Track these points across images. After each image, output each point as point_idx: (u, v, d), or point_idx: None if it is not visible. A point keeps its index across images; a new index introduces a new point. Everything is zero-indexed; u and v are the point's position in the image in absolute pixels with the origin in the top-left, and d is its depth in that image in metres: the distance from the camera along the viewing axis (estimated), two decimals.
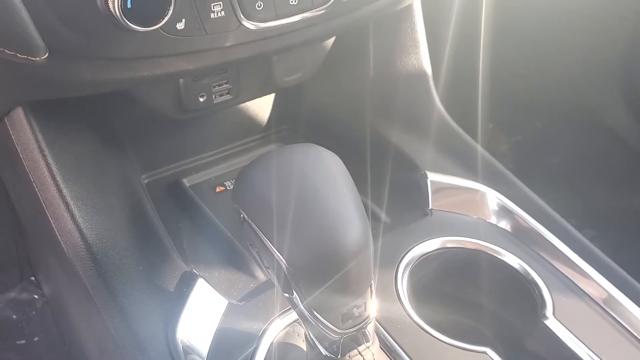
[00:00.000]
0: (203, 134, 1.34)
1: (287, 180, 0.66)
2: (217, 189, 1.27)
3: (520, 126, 2.39)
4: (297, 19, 0.90)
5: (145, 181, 1.31)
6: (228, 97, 1.10)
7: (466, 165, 1.15)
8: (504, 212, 1.07)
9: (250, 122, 1.39)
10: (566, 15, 1.91)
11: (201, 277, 0.93)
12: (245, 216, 0.67)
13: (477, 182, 1.11)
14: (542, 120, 2.35)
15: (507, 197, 1.08)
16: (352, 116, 1.28)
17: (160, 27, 0.77)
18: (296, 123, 1.43)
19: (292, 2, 0.87)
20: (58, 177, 0.94)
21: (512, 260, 0.97)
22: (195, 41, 0.83)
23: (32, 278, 1.68)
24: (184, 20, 0.80)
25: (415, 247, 0.99)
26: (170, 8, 0.75)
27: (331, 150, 1.32)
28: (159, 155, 1.32)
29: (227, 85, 1.09)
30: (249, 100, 1.22)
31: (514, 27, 1.97)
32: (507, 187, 1.11)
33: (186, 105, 1.07)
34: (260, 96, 1.22)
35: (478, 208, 1.09)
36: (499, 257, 0.98)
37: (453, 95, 1.36)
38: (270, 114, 1.42)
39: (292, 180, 0.66)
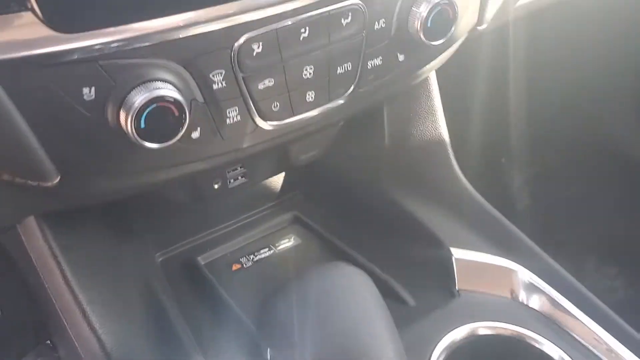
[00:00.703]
0: (215, 206, 1.30)
1: (315, 315, 0.62)
2: (234, 267, 1.23)
3: (535, 158, 2.34)
4: (314, 114, 0.86)
5: (160, 259, 1.28)
6: (243, 180, 1.07)
7: (491, 238, 1.11)
8: (534, 290, 1.03)
9: (261, 190, 1.36)
10: (580, 45, 1.88)
11: None
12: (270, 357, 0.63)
13: (503, 257, 1.07)
14: (558, 151, 2.31)
15: (536, 274, 1.04)
16: (369, 185, 1.24)
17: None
18: (310, 188, 1.40)
19: (308, 98, 0.84)
20: (73, 284, 0.91)
21: (552, 350, 0.92)
22: (211, 147, 0.80)
23: (48, 341, 1.64)
24: (199, 129, 0.77)
25: (446, 336, 0.95)
26: (185, 124, 0.72)
27: (347, 219, 1.29)
28: (172, 232, 1.29)
29: (242, 169, 1.06)
30: (265, 179, 1.19)
31: (531, 61, 1.94)
32: (535, 262, 1.07)
33: (201, 193, 1.04)
34: (276, 174, 1.19)
35: (507, 287, 1.05)
36: (538, 346, 0.93)
37: (472, 158, 1.33)
38: (283, 180, 1.38)
39: (320, 314, 0.62)
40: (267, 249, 1.26)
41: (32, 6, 0.62)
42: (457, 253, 1.08)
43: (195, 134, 0.77)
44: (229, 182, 1.06)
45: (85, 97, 0.67)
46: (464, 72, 1.52)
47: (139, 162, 0.76)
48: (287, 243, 1.27)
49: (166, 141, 0.72)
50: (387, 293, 1.05)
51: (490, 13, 0.98)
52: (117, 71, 0.68)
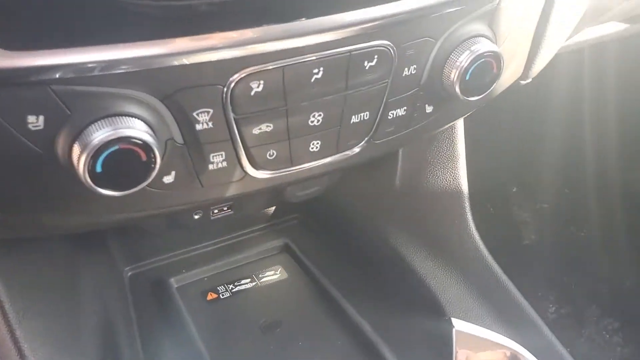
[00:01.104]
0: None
1: None
2: (209, 296, 1.10)
3: (546, 191, 2.23)
4: (315, 164, 0.72)
5: (129, 274, 1.15)
6: (229, 212, 0.93)
7: (499, 312, 0.98)
8: None
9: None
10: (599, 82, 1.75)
11: None
12: None
13: (510, 337, 0.94)
14: (571, 187, 2.20)
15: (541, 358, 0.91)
16: (372, 227, 1.11)
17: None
18: (306, 216, 1.26)
19: (312, 148, 0.70)
20: (11, 316, 0.78)
21: None
22: (187, 194, 0.67)
23: None
24: (173, 173, 0.63)
25: None
26: (154, 172, 0.58)
27: (342, 259, 1.16)
28: (146, 246, 1.16)
29: (229, 202, 0.92)
30: (253, 213, 1.05)
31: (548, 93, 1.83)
32: (544, 349, 0.94)
33: (178, 222, 0.90)
34: (266, 208, 1.05)
35: None
36: None
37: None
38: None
39: None
40: (248, 280, 1.13)
41: None
42: (459, 325, 0.95)
43: (168, 179, 0.63)
44: (212, 212, 0.92)
45: (30, 126, 0.54)
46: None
47: (95, 205, 0.63)
48: (272, 276, 1.14)
49: (128, 189, 0.58)
50: (374, 358, 0.92)
51: (538, 67, 0.84)
52: (73, 99, 0.54)
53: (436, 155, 1.04)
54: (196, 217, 0.91)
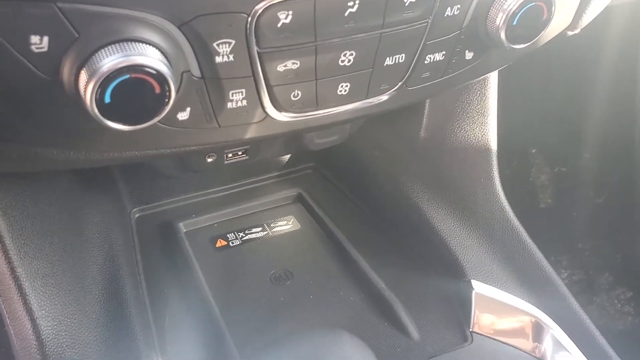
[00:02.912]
0: None
1: None
2: (218, 243, 1.06)
3: (566, 155, 2.16)
4: (342, 109, 0.66)
5: (136, 215, 1.11)
6: (243, 157, 0.88)
7: (522, 276, 0.94)
8: (559, 350, 0.86)
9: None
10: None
11: None
12: None
13: (531, 303, 0.90)
14: (591, 151, 2.13)
15: (567, 332, 0.87)
16: (392, 180, 1.05)
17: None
18: (323, 165, 1.21)
19: (340, 91, 0.64)
20: (12, 253, 0.74)
21: None
22: (202, 133, 0.61)
23: None
24: (188, 109, 0.58)
25: None
26: (168, 105, 0.52)
27: (358, 212, 1.11)
28: (155, 188, 1.11)
29: (245, 146, 0.86)
30: (268, 159, 1.00)
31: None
32: (569, 317, 0.90)
33: (190, 166, 0.85)
34: (283, 155, 1.00)
35: (530, 340, 0.88)
36: None
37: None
38: None
39: None
40: (259, 229, 1.09)
41: None
42: (479, 287, 0.91)
43: (183, 115, 0.58)
44: (226, 156, 0.87)
45: (33, 47, 0.48)
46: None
47: (102, 140, 0.57)
48: (284, 226, 1.10)
49: (139, 123, 0.52)
50: (389, 318, 0.88)
51: (589, 17, 0.76)
52: (82, 20, 0.48)
53: (466, 107, 0.97)
54: (209, 160, 0.85)
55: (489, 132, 0.98)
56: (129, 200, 1.08)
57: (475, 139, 0.99)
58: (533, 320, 0.89)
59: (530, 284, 0.93)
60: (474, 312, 0.89)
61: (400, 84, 0.66)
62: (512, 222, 0.96)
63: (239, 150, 0.87)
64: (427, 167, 1.03)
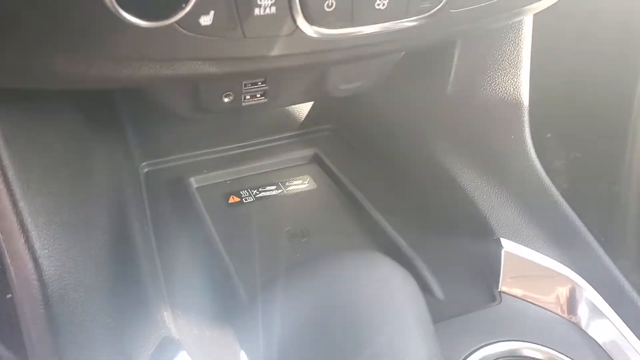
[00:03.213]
0: (221, 121, 1.07)
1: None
2: (231, 200, 1.01)
3: (582, 140, 2.10)
4: (378, 30, 0.61)
5: (145, 170, 1.05)
6: (262, 100, 0.82)
7: (554, 236, 0.88)
8: (597, 315, 0.81)
9: (283, 115, 1.12)
10: None
11: (184, 349, 0.68)
12: None
13: (563, 264, 0.84)
14: (609, 136, 2.06)
15: (602, 295, 0.81)
16: (416, 138, 1.00)
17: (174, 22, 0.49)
18: (341, 124, 1.15)
19: (378, 4, 0.58)
20: (14, 186, 0.68)
21: None
22: (225, 44, 0.56)
23: None
24: (212, 13, 0.52)
25: (479, 350, 0.74)
26: None
27: (378, 172, 1.06)
28: (165, 141, 1.06)
29: (264, 85, 0.81)
30: (288, 105, 0.94)
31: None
32: (604, 279, 0.84)
33: (205, 105, 0.80)
34: (304, 102, 0.94)
35: (563, 302, 0.82)
36: None
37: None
38: (310, 106, 1.14)
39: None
40: (274, 187, 1.03)
41: None
42: (508, 246, 0.85)
43: (206, 20, 0.52)
44: (244, 97, 0.81)
45: None
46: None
47: (116, 44, 0.52)
48: (299, 185, 1.04)
49: (160, 19, 0.47)
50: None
51: None
52: None
53: (497, 58, 0.92)
54: (226, 100, 0.80)
55: (521, 85, 0.92)
56: (139, 153, 1.02)
57: (506, 93, 0.93)
58: (567, 281, 0.84)
59: (563, 244, 0.87)
60: (503, 272, 0.84)
61: (443, 3, 0.61)
62: (543, 181, 0.91)
63: (258, 92, 0.82)
64: (455, 124, 0.97)
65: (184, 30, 0.52)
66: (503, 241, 0.86)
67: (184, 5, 0.47)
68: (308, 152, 1.11)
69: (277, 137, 1.12)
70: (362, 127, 1.12)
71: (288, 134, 1.13)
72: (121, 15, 0.45)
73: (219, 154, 1.09)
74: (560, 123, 1.78)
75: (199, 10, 0.51)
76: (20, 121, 0.70)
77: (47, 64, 0.53)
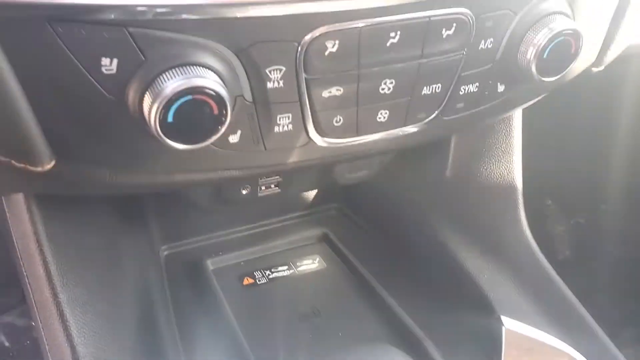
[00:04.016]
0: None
1: None
2: (245, 281, 1.07)
3: (583, 207, 2.16)
4: (381, 137, 0.69)
5: (165, 253, 1.12)
6: (276, 190, 0.90)
7: (552, 313, 0.94)
8: None
9: (292, 196, 1.20)
10: None
11: None
12: None
13: (564, 341, 0.89)
14: (609, 202, 2.12)
15: None
16: (418, 218, 1.07)
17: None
18: (348, 205, 1.23)
19: (379, 118, 0.67)
20: (55, 280, 0.75)
21: None
22: (249, 156, 0.64)
23: None
24: (239, 132, 0.61)
25: None
26: (224, 125, 0.55)
27: (384, 251, 1.12)
28: (184, 226, 1.13)
29: (277, 178, 0.89)
30: (300, 193, 1.02)
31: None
32: (600, 353, 0.89)
33: (225, 197, 0.88)
34: (314, 189, 1.02)
35: None
36: None
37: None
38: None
39: None
40: (286, 267, 1.10)
41: None
42: (509, 324, 0.91)
43: (234, 138, 0.61)
44: (259, 189, 0.89)
45: (103, 69, 0.51)
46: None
47: (157, 161, 0.60)
48: (310, 265, 1.11)
49: (197, 143, 0.55)
50: (420, 356, 0.88)
51: (611, 55, 0.80)
52: (149, 44, 0.52)
53: (491, 146, 1.00)
54: (244, 192, 0.88)
55: (514, 170, 1.00)
56: (159, 236, 1.10)
57: (500, 178, 1.01)
58: (566, 358, 0.89)
59: (561, 322, 0.93)
60: (505, 349, 0.89)
61: (436, 112, 0.70)
62: (539, 259, 0.97)
63: (272, 183, 0.90)
64: (453, 205, 1.04)
65: (216, 148, 0.60)
66: (504, 319, 0.91)
67: (219, 128, 0.56)
68: (317, 231, 1.18)
69: (287, 217, 1.19)
70: (367, 206, 1.19)
71: (297, 215, 1.20)
72: (166, 142, 0.54)
73: (232, 235, 1.16)
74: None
75: (229, 131, 0.60)
76: (61, 219, 0.78)
77: (100, 178, 0.62)
